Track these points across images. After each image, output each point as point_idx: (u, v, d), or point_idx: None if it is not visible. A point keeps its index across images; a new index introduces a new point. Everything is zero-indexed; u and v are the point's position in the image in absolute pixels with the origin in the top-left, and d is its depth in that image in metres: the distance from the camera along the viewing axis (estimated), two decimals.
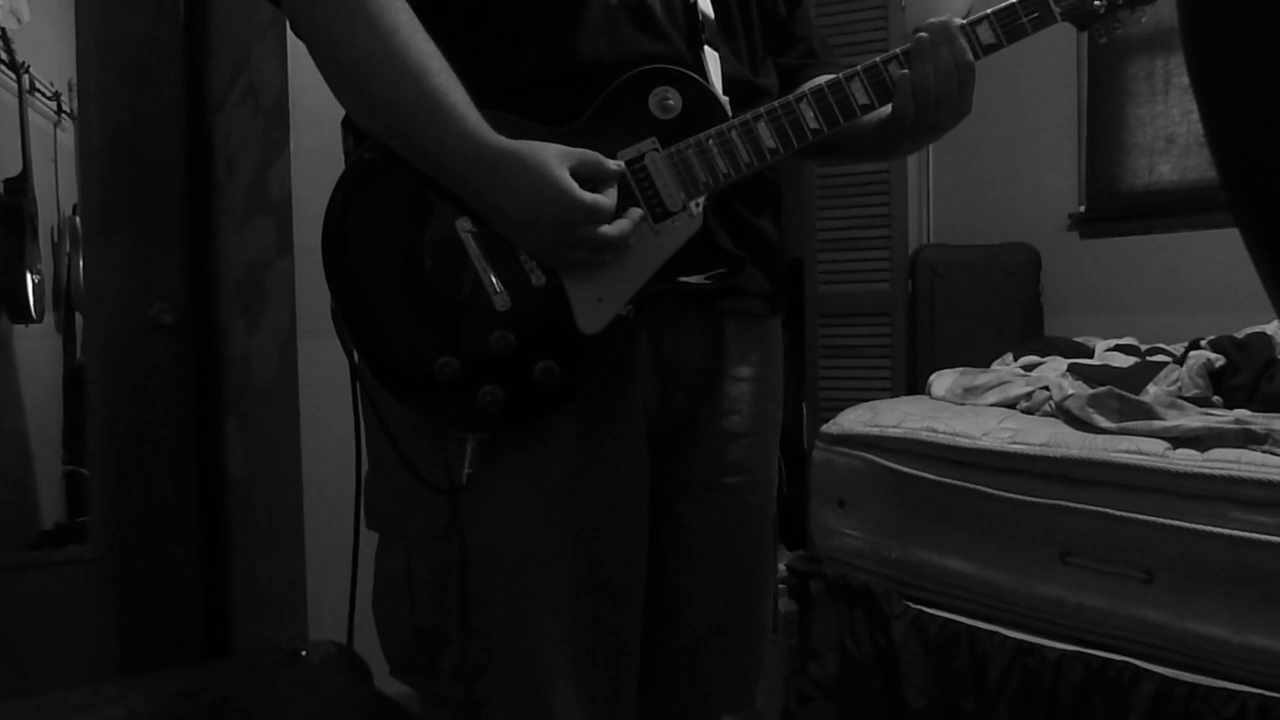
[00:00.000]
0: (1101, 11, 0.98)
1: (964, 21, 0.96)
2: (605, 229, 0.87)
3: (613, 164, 0.89)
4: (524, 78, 0.92)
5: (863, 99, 0.95)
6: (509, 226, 0.88)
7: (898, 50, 0.96)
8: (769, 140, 0.93)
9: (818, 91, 0.94)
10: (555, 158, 0.85)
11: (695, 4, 0.97)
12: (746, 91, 1.00)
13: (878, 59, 0.95)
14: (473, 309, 0.88)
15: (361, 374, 0.94)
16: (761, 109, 0.93)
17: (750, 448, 1.07)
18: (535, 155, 0.85)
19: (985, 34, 0.96)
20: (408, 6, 0.87)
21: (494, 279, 0.89)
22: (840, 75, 0.95)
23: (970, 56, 0.96)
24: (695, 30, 0.96)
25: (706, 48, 0.96)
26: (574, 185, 0.85)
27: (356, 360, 0.91)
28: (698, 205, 0.92)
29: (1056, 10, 0.96)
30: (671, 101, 0.91)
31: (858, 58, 0.99)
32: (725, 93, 0.95)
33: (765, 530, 1.11)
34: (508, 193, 0.86)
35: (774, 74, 1.09)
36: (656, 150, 0.91)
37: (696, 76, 0.92)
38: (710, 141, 0.92)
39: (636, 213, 0.90)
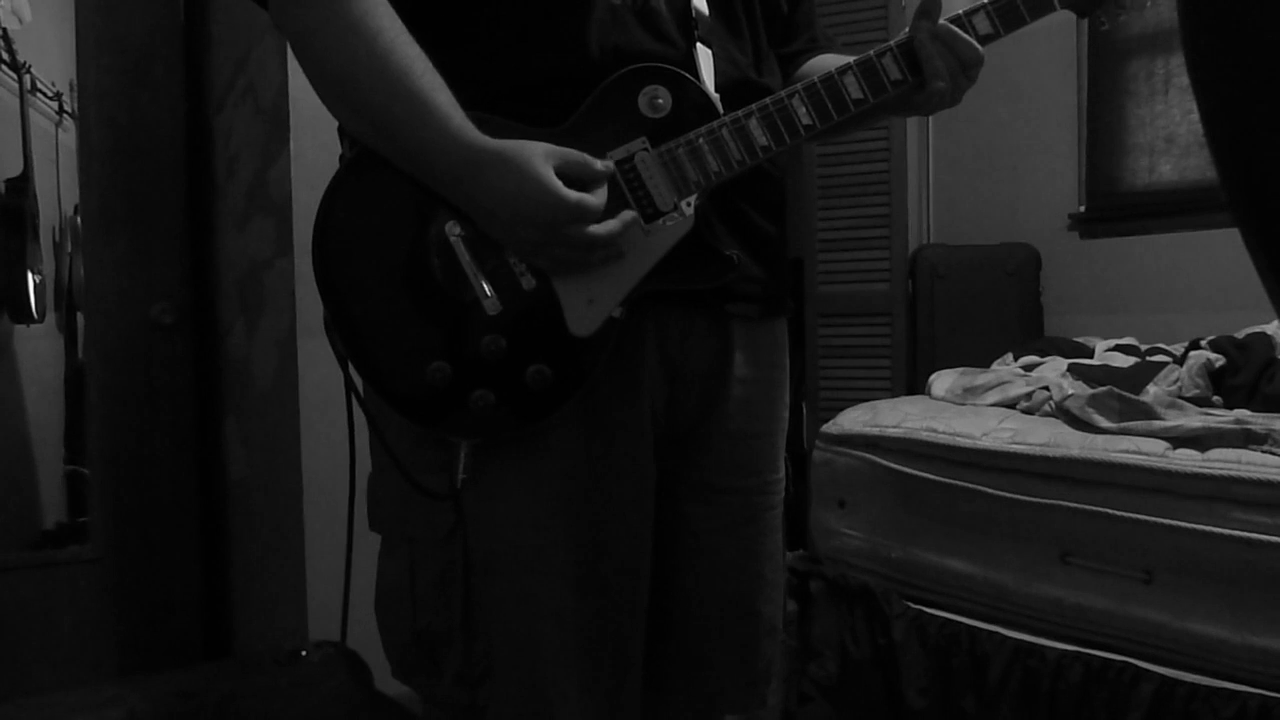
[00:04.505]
0: None
1: (960, 11, 0.94)
2: (593, 228, 0.86)
3: (600, 164, 0.88)
4: (528, 80, 0.91)
5: (856, 93, 0.94)
6: (495, 226, 0.87)
7: (891, 43, 0.95)
8: (761, 137, 0.92)
9: (810, 87, 0.93)
10: (539, 155, 0.85)
11: (689, 1, 0.96)
12: (745, 90, 0.98)
13: (871, 53, 0.94)
14: (463, 313, 0.88)
15: (356, 379, 0.94)
16: (753, 106, 0.92)
17: (758, 449, 1.07)
18: (519, 153, 0.85)
19: (982, 24, 0.95)
20: (391, 11, 0.87)
21: (484, 283, 0.88)
22: (833, 70, 0.94)
23: (979, 51, 0.94)
24: (689, 28, 0.96)
25: (699, 45, 0.95)
26: (557, 183, 0.84)
27: (349, 365, 0.91)
28: (689, 205, 0.91)
29: None
30: (661, 100, 0.90)
31: None
32: (720, 91, 0.95)
33: (773, 532, 1.10)
34: (491, 192, 0.85)
35: (778, 72, 1.08)
36: (646, 150, 0.90)
37: (686, 74, 0.92)
38: (701, 140, 0.91)
39: (629, 215, 0.89)
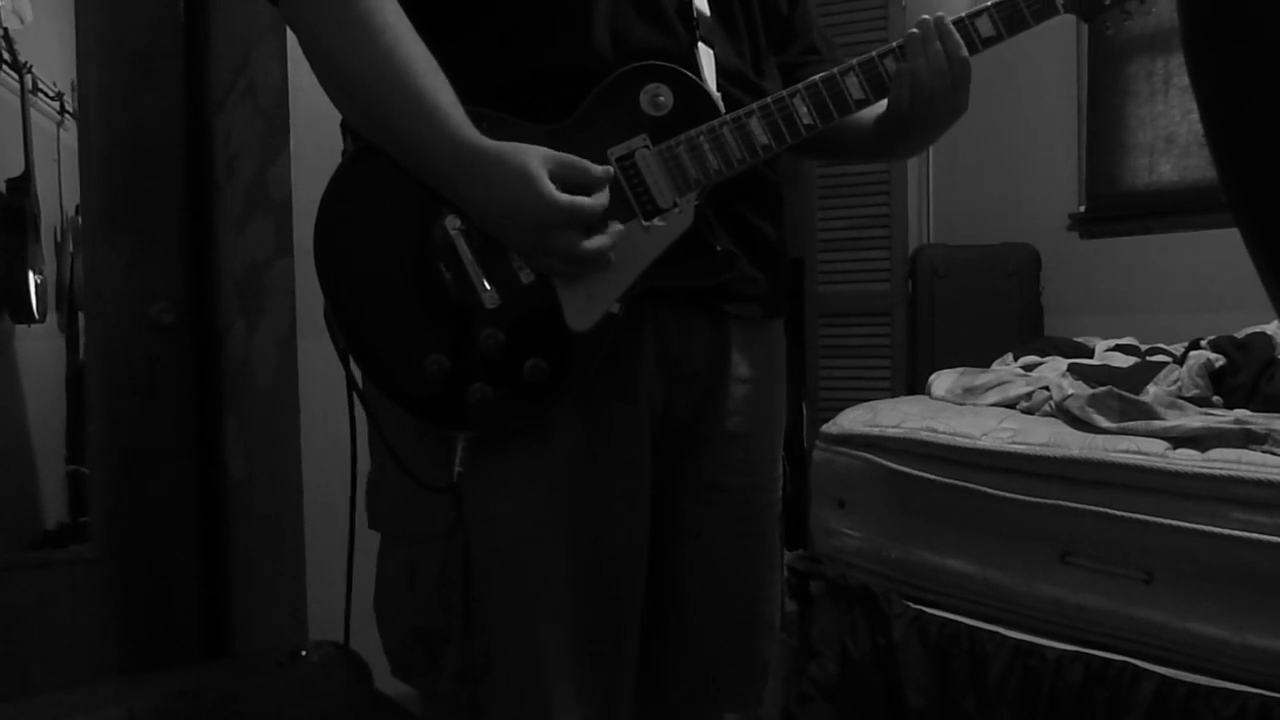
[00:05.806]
0: (1107, 2, 0.96)
1: (962, 14, 0.95)
2: (584, 245, 0.86)
3: (598, 169, 0.88)
4: (531, 74, 0.91)
5: (858, 94, 0.94)
6: (489, 226, 0.88)
7: (894, 44, 0.95)
8: (762, 136, 0.92)
9: (811, 86, 0.93)
10: (535, 159, 0.85)
11: (690, 1, 0.96)
12: (745, 90, 0.99)
13: (874, 53, 0.94)
14: (462, 307, 0.88)
15: (356, 374, 0.94)
16: (754, 104, 0.92)
17: (755, 448, 1.07)
18: (515, 155, 0.85)
19: (984, 27, 0.94)
20: (398, 7, 0.87)
21: (483, 277, 0.89)
22: (835, 70, 0.94)
23: (964, 52, 0.94)
24: (690, 24, 0.96)
25: (701, 44, 0.96)
26: (550, 186, 0.84)
27: (350, 360, 0.91)
28: (689, 202, 0.91)
29: (1059, 0, 0.94)
30: (662, 98, 0.91)
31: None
32: (721, 91, 0.95)
33: (771, 530, 1.11)
34: (485, 192, 0.86)
35: (778, 76, 1.08)
36: (647, 147, 0.91)
37: (688, 73, 0.92)
38: (702, 138, 0.91)
39: (619, 228, 0.89)
